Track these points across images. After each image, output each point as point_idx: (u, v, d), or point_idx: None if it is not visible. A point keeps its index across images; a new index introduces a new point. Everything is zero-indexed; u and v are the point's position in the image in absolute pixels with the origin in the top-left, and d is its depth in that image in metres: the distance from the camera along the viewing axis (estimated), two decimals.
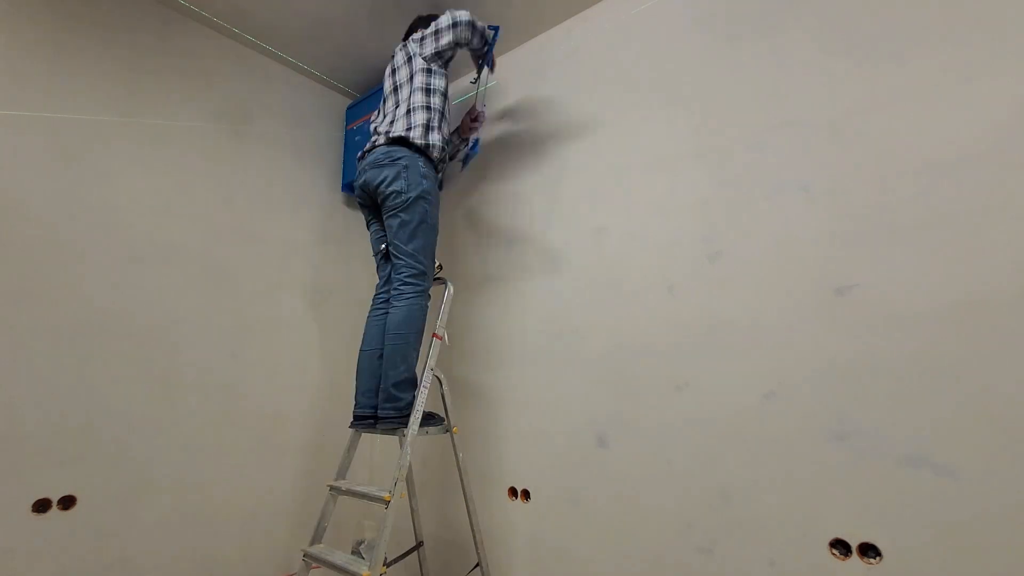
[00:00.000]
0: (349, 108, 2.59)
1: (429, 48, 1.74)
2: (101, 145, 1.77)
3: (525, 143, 2.14)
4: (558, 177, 2.01)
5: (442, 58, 1.77)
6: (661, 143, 1.76)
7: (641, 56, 1.87)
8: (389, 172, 1.64)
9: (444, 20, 1.71)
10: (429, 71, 1.76)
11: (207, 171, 2.04)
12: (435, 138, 1.72)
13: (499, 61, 2.33)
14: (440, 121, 1.76)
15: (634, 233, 1.76)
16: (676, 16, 1.81)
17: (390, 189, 1.64)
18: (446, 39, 1.71)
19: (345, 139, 2.55)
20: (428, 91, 1.74)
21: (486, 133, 2.25)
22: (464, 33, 1.70)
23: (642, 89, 1.84)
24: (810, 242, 1.41)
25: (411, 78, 1.77)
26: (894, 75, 1.36)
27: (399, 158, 1.66)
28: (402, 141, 1.69)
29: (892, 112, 1.34)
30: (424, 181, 1.66)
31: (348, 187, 2.50)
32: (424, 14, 1.99)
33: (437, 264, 1.79)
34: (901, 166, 1.31)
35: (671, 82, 1.78)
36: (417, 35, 1.79)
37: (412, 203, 1.64)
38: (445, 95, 1.80)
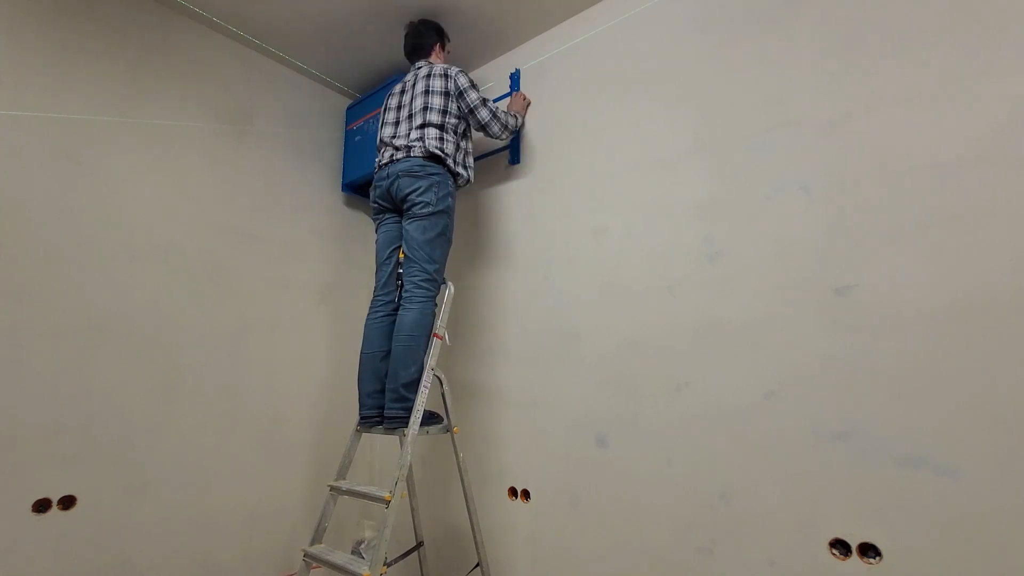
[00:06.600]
0: (349, 108, 2.58)
1: (470, 112, 1.83)
2: (101, 145, 1.77)
3: (525, 143, 2.14)
4: (558, 177, 2.01)
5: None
6: (661, 143, 1.76)
7: (641, 56, 1.87)
8: (422, 183, 1.71)
9: (484, 114, 1.84)
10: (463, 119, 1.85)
11: (207, 171, 2.04)
12: (470, 163, 1.89)
13: (500, 61, 2.34)
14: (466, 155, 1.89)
15: (634, 233, 1.76)
16: (676, 16, 1.81)
17: (421, 199, 1.70)
18: (479, 119, 1.85)
19: (345, 139, 2.55)
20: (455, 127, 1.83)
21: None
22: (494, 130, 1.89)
23: (642, 89, 1.84)
24: (810, 242, 1.41)
25: (443, 111, 1.80)
26: (894, 75, 1.36)
27: (433, 173, 1.73)
28: (436, 158, 1.75)
29: (892, 112, 1.34)
30: (450, 198, 1.76)
31: (348, 187, 2.50)
32: (421, 23, 2.00)
33: None
34: (901, 166, 1.31)
35: (671, 82, 1.78)
36: (461, 83, 1.82)
37: (437, 215, 1.71)
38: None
